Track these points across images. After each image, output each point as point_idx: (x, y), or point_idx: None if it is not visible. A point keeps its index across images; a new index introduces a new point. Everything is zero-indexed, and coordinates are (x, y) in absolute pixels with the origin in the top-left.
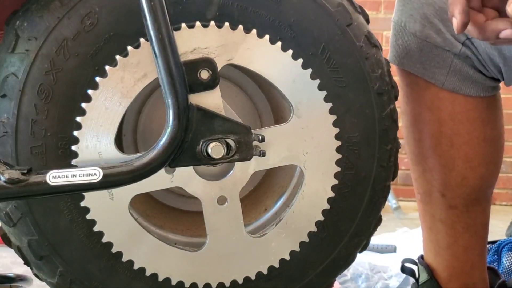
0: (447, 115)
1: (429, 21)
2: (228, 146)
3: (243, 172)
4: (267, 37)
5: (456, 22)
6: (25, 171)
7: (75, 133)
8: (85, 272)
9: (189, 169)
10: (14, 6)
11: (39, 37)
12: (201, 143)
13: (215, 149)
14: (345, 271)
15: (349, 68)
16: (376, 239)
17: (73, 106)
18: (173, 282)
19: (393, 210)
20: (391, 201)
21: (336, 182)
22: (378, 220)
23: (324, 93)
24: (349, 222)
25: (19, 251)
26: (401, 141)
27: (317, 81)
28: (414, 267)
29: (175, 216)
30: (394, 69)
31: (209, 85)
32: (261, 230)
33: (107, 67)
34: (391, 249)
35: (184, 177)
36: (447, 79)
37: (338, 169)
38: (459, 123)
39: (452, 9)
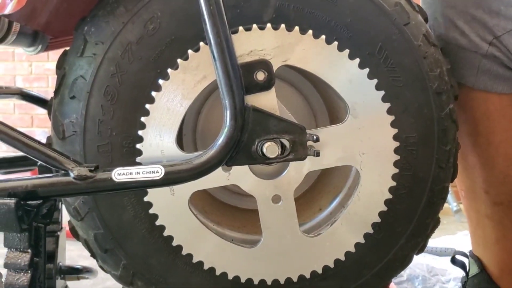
0: (481, 114)
1: (453, 24)
2: (282, 145)
3: (297, 171)
4: (323, 37)
5: None
6: (92, 168)
7: (140, 132)
8: (146, 265)
9: (245, 168)
10: (82, 12)
11: (105, 41)
12: (256, 142)
13: (270, 149)
14: (402, 272)
15: (407, 68)
16: (435, 242)
17: (137, 107)
18: (230, 277)
19: (454, 213)
20: (451, 203)
21: (394, 183)
22: (436, 222)
23: (382, 93)
24: (406, 224)
25: (86, 244)
26: None
27: (375, 81)
28: (466, 260)
29: (231, 213)
30: None
31: (264, 86)
32: (316, 229)
33: (169, 70)
34: (451, 252)
35: (240, 176)
36: (477, 79)
37: (396, 170)
38: (494, 122)
39: None
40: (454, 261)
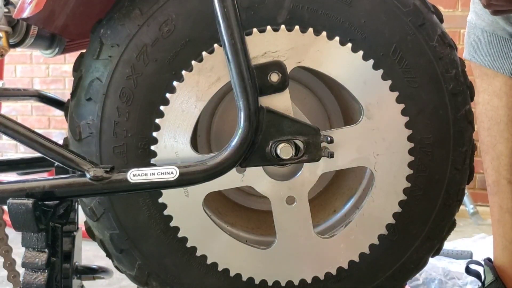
0: None
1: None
2: (296, 147)
3: (311, 173)
4: (337, 39)
5: None
6: (108, 169)
7: (154, 134)
8: (161, 266)
9: (259, 169)
10: (98, 15)
11: (121, 44)
12: (270, 144)
13: (284, 150)
14: (417, 275)
15: (422, 69)
16: (451, 245)
17: (152, 109)
18: (244, 278)
19: (471, 216)
20: (468, 206)
21: (408, 185)
22: (452, 224)
23: (396, 94)
24: (421, 226)
25: (102, 244)
26: (477, 143)
27: (389, 82)
28: (480, 270)
29: (245, 215)
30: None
31: (279, 88)
32: (330, 231)
33: (183, 72)
34: (467, 255)
35: (254, 177)
36: None
37: (411, 171)
38: None
39: None
40: (468, 271)
